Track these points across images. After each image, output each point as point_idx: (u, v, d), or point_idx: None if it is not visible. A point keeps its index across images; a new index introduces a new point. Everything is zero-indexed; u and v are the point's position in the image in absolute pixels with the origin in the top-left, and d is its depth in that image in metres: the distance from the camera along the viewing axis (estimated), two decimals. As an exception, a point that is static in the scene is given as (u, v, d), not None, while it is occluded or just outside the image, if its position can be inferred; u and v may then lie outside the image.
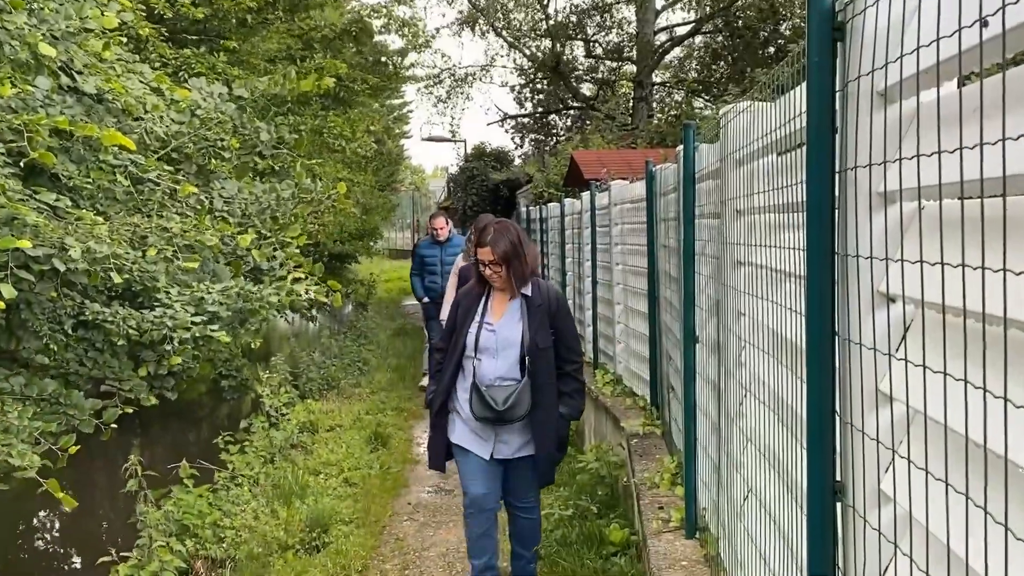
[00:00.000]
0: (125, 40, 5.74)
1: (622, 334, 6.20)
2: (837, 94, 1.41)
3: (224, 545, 4.30)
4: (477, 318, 3.09)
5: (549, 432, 3.03)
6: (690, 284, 3.41)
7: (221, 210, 4.86)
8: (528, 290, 3.09)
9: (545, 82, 23.29)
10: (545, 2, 22.23)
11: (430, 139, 25.10)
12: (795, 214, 1.80)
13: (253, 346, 4.60)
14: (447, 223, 7.36)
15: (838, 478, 1.44)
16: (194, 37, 9.29)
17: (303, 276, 4.68)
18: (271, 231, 5.08)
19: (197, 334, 3.82)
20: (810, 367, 1.47)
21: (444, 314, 5.74)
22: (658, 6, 20.52)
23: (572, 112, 24.27)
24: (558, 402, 3.07)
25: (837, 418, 1.44)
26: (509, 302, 3.09)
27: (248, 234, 4.62)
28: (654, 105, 20.22)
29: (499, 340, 3.05)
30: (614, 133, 18.13)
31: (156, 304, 4.13)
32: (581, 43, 22.60)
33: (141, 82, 4.84)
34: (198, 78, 6.11)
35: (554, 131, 25.45)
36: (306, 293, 4.56)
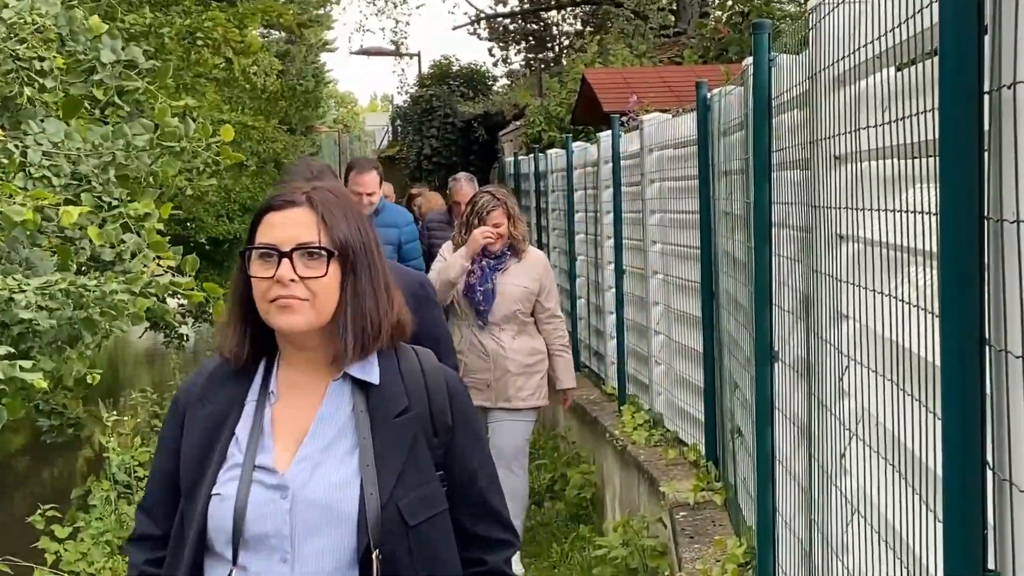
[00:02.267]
0: None
1: (662, 350, 6.21)
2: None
3: None
4: (236, 455, 1.87)
5: None
6: (765, 272, 3.41)
7: (39, 165, 4.81)
8: (367, 369, 1.89)
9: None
10: None
11: (364, 52, 25.05)
12: (927, 160, 1.80)
13: (91, 380, 4.55)
14: (377, 180, 5.93)
15: (991, 566, 1.43)
16: None
17: (166, 270, 4.64)
18: (118, 199, 5.04)
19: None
20: (947, 397, 1.46)
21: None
22: None
23: (582, 8, 24.30)
24: None
25: (990, 474, 1.43)
26: (323, 400, 1.88)
27: (81, 204, 4.57)
28: (708, -2, 20.22)
29: (298, 507, 1.83)
30: (648, 41, 18.17)
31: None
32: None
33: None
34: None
35: (554, 39, 25.48)
36: (173, 296, 4.53)
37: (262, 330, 1.89)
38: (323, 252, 1.84)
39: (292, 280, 1.81)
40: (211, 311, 4.33)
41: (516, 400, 5.54)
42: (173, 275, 4.74)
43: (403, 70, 35.40)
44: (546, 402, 5.79)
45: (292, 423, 1.89)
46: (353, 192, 6.39)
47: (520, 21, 26.05)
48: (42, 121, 5.15)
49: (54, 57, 5.09)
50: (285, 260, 1.82)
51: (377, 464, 1.81)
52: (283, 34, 22.15)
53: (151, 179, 5.35)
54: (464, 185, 7.75)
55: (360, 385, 1.88)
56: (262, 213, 1.91)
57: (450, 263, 5.47)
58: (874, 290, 2.19)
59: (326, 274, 1.83)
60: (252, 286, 1.86)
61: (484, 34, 26.16)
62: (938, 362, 1.53)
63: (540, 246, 10.25)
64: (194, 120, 5.80)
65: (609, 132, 7.31)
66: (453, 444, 1.90)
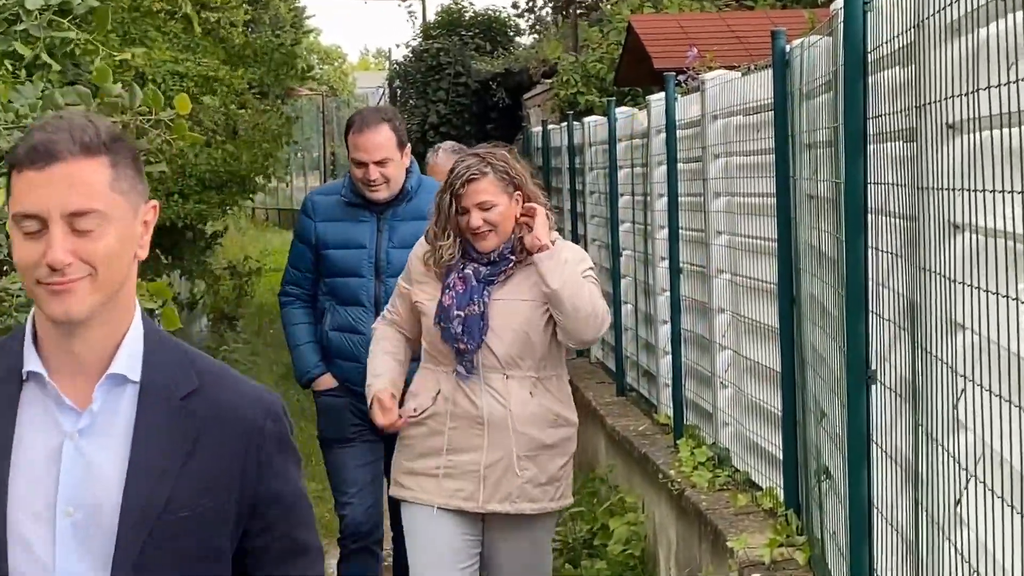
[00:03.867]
0: None
1: (729, 369, 6.20)
2: None
3: None
4: None
5: None
6: (859, 271, 3.40)
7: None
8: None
9: None
10: None
11: (355, -4, 24.98)
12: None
13: None
14: (393, 140, 5.11)
15: None
16: None
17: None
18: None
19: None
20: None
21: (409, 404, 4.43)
22: None
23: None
24: None
25: None
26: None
27: None
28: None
29: None
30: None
31: None
32: None
33: None
34: None
35: (594, -22, 25.46)
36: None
37: None
38: None
39: None
40: (158, 319, 4.14)
41: (523, 500, 4.33)
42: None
43: (409, 14, 35.25)
44: (571, 499, 4.72)
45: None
46: (354, 162, 5.17)
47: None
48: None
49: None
50: None
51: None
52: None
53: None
54: (442, 158, 6.78)
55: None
56: None
57: (372, 349, 4.53)
58: (997, 293, 2.18)
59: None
60: None
61: (506, -29, 26.21)
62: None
63: (575, 239, 10.25)
64: (143, 81, 5.83)
65: (662, 95, 7.31)
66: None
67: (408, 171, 5.14)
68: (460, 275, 4.25)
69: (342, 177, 5.54)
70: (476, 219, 4.18)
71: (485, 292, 4.24)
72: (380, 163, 4.93)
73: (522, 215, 4.25)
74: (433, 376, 4.34)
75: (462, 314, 4.21)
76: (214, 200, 15.48)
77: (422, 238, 4.39)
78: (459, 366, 4.25)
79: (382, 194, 5.12)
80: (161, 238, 16.54)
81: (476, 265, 4.25)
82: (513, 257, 4.27)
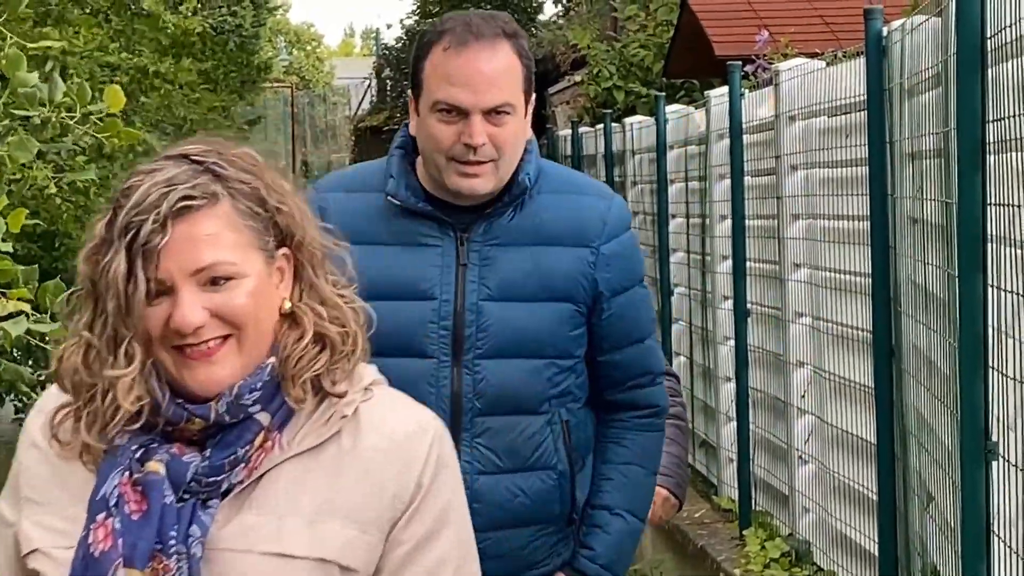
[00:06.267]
0: None
1: (811, 439, 6.20)
2: None
3: None
4: None
5: None
6: (976, 315, 3.41)
7: None
8: None
9: None
10: None
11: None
12: None
13: None
14: (528, 88, 3.44)
15: None
16: None
17: (18, 313, 4.73)
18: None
19: None
20: None
21: None
22: None
23: None
24: None
25: None
26: None
27: None
28: None
29: None
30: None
31: None
32: None
33: None
34: None
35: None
36: (29, 352, 4.57)
37: None
38: None
39: None
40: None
41: None
42: (31, 316, 4.80)
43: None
44: None
45: None
46: (439, 110, 3.33)
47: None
48: None
49: None
50: None
51: None
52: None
53: (-9, 165, 5.44)
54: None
55: None
56: None
57: None
58: None
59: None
60: None
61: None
62: None
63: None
64: (65, 71, 5.89)
65: (725, 89, 7.35)
66: None
67: (526, 150, 3.46)
68: (139, 474, 2.15)
69: (383, 160, 3.62)
70: (192, 310, 2.12)
71: (196, 520, 2.13)
72: (494, 114, 3.29)
73: None
74: None
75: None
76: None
77: None
78: None
79: (484, 182, 3.39)
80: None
81: (184, 449, 2.17)
82: (260, 423, 2.17)
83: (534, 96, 3.43)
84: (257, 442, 2.18)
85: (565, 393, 3.42)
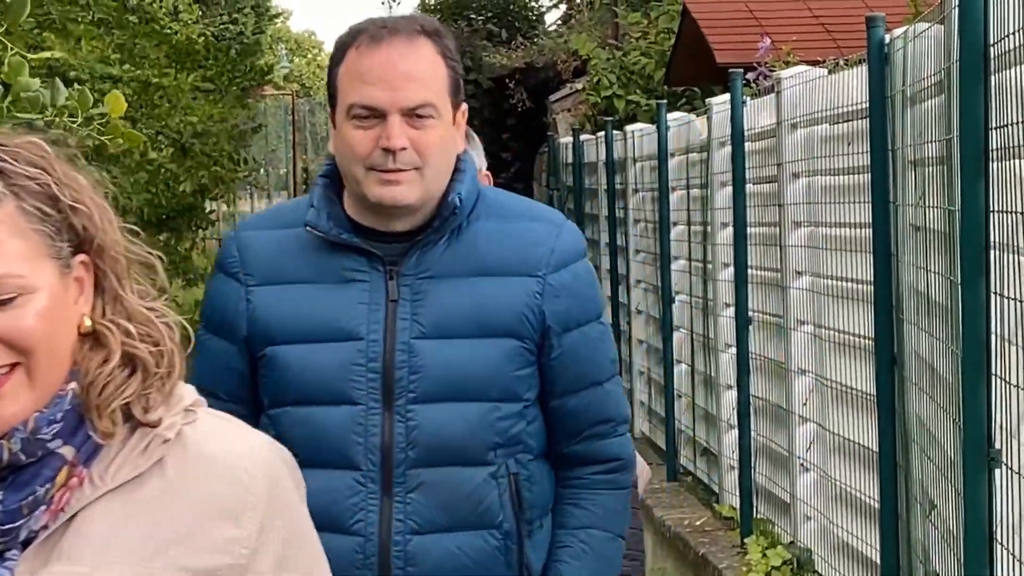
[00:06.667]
0: None
1: (812, 447, 6.19)
2: None
3: None
4: None
5: None
6: (979, 323, 3.40)
7: None
8: None
9: None
10: None
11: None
12: None
13: None
14: (455, 91, 3.23)
15: None
16: None
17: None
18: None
19: None
20: None
21: None
22: None
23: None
24: None
25: None
26: None
27: None
28: None
29: None
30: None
31: None
32: None
33: None
34: None
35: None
36: None
37: None
38: None
39: None
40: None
41: None
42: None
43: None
44: None
45: None
46: (354, 115, 3.11)
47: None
48: None
49: None
50: None
51: None
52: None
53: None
54: None
55: None
56: None
57: None
58: None
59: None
60: None
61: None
62: None
63: (614, 278, 10.26)
64: (67, 80, 5.91)
65: (726, 97, 7.34)
66: None
67: (458, 169, 3.18)
68: None
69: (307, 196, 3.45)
70: None
71: None
72: (415, 116, 3.03)
73: None
74: None
75: None
76: (158, 244, 15.64)
77: None
78: None
79: (408, 190, 3.11)
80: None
81: None
82: (63, 457, 1.86)
83: (465, 107, 3.16)
84: (60, 479, 1.82)
85: (513, 442, 3.08)
